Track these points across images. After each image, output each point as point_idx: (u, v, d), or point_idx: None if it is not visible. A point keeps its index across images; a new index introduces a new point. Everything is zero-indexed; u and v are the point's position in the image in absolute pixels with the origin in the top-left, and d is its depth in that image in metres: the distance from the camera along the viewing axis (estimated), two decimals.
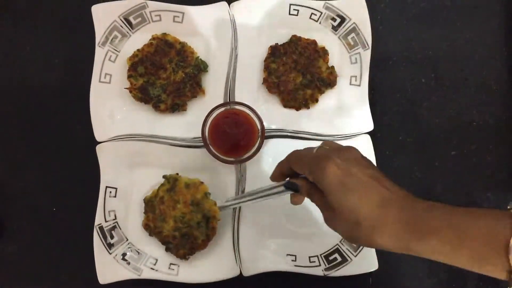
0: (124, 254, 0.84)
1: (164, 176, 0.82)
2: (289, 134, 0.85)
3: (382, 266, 0.83)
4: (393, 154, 0.89)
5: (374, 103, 0.86)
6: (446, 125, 0.90)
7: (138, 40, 0.85)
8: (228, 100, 0.85)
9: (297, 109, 0.86)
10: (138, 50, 0.84)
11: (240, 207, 0.84)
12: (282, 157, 0.79)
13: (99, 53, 0.85)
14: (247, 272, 0.82)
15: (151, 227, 0.83)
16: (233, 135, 0.79)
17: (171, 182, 0.81)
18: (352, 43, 0.86)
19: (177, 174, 0.81)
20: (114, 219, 0.84)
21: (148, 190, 0.85)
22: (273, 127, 0.84)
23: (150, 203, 0.82)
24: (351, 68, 0.86)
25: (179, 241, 0.81)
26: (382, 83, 0.90)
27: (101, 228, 0.84)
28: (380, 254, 0.83)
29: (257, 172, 0.85)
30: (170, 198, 0.81)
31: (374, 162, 0.84)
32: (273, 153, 0.85)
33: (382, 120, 0.89)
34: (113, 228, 0.84)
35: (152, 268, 0.83)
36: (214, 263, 0.84)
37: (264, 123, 0.79)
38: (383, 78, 0.90)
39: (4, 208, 0.87)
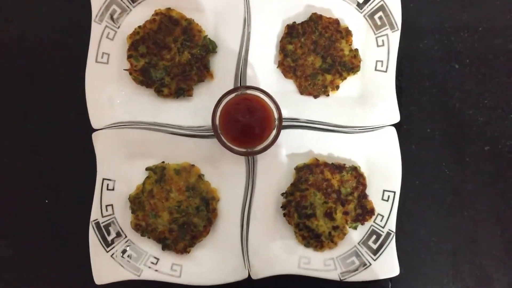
0: (123, 252, 0.82)
1: (147, 168, 0.81)
2: (304, 124, 0.83)
3: (403, 270, 0.81)
4: (420, 149, 0.86)
5: (400, 91, 0.84)
6: (480, 117, 0.87)
7: (140, 15, 0.82)
8: (239, 85, 0.82)
9: (315, 96, 0.84)
10: (139, 27, 0.81)
11: (250, 201, 0.82)
12: (296, 150, 0.80)
13: (96, 29, 0.81)
14: (256, 275, 0.80)
15: (143, 227, 0.80)
16: (246, 124, 0.76)
17: (158, 172, 0.80)
18: (379, 23, 0.83)
19: (163, 162, 0.81)
20: (111, 214, 0.82)
21: None
22: (288, 116, 0.81)
23: (137, 201, 0.81)
24: (377, 52, 0.83)
25: (177, 233, 0.80)
26: (410, 69, 0.86)
27: (97, 223, 0.81)
28: (401, 257, 0.81)
29: (269, 165, 0.83)
30: (160, 190, 0.80)
31: (399, 157, 0.81)
32: (287, 145, 0.83)
33: (409, 110, 0.86)
34: (111, 223, 0.82)
35: (152, 268, 0.82)
36: (220, 264, 0.82)
37: None
38: (411, 63, 0.86)
39: None
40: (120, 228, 0.82)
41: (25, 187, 0.86)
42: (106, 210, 0.82)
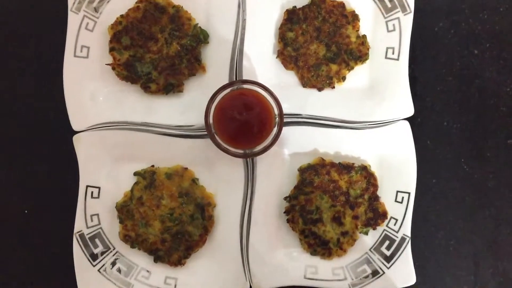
0: (112, 265, 0.78)
1: (135, 173, 0.79)
2: (308, 120, 0.79)
3: (420, 279, 0.77)
4: (436, 144, 0.82)
5: (413, 81, 0.80)
6: (502, 107, 0.82)
7: (122, 3, 0.78)
8: (235, 79, 0.78)
9: (319, 89, 0.80)
10: (121, 16, 0.77)
11: (250, 207, 0.78)
12: (300, 149, 0.79)
13: (73, 20, 0.77)
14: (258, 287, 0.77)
15: (132, 237, 0.77)
16: (244, 122, 0.73)
17: (148, 177, 0.78)
18: (389, 6, 0.79)
19: (152, 166, 0.79)
20: (97, 225, 0.78)
21: None
22: (289, 111, 0.78)
23: (125, 209, 0.77)
24: (388, 38, 0.79)
25: (170, 243, 0.76)
26: (424, 56, 0.82)
27: (82, 235, 0.77)
28: (418, 264, 0.77)
29: (269, 167, 0.80)
30: (150, 196, 0.78)
31: (413, 155, 0.77)
32: (289, 144, 0.80)
33: (424, 102, 0.82)
34: (97, 235, 0.77)
35: (144, 282, 0.78)
36: (219, 276, 0.78)
37: None
38: (425, 49, 0.82)
39: None
40: (108, 240, 0.78)
41: (2, 196, 0.83)
42: (92, 220, 0.78)
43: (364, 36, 0.79)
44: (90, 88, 0.79)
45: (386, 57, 0.79)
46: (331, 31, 0.79)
